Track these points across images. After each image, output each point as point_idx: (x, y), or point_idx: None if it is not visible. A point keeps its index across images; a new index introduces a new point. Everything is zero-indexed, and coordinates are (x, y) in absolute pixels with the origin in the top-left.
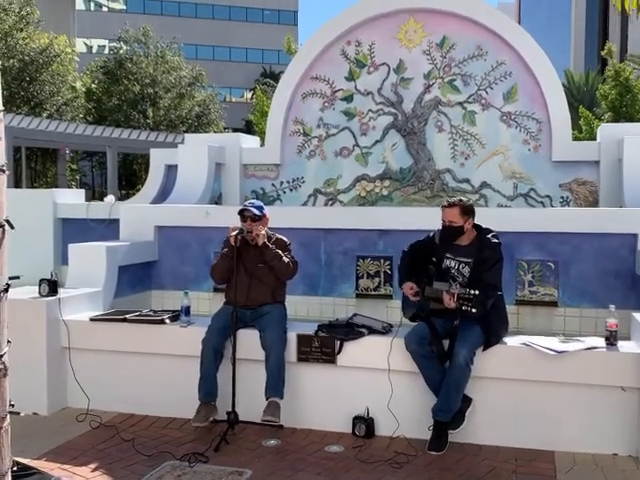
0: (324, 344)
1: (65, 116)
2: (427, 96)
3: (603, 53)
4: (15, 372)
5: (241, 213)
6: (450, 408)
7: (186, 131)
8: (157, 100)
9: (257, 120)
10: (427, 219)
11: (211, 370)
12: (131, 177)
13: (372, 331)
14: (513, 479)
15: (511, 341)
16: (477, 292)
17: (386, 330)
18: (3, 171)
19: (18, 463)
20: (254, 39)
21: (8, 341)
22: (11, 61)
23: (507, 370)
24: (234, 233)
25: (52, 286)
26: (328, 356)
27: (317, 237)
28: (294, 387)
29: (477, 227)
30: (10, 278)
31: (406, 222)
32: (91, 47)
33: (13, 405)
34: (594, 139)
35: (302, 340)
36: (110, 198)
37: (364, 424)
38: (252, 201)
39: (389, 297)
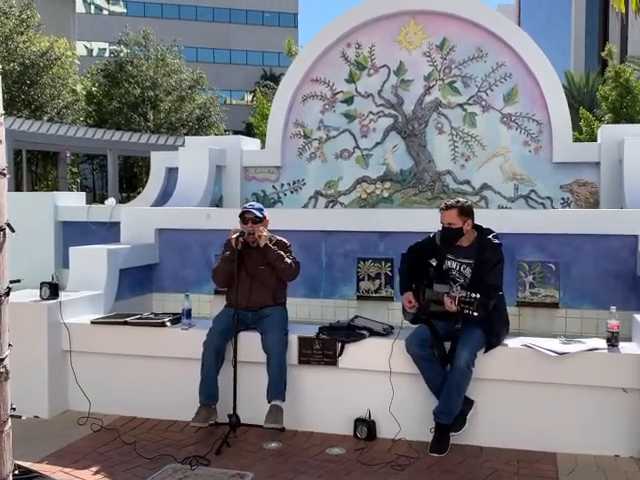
0: (325, 346)
1: (66, 119)
2: (427, 98)
3: (603, 54)
4: (16, 375)
5: (242, 215)
6: (451, 410)
7: (187, 134)
8: (158, 103)
9: (257, 122)
10: (428, 221)
11: (212, 373)
12: (132, 180)
13: (373, 333)
14: None
15: (512, 343)
16: (478, 295)
17: (387, 332)
18: (4, 174)
19: (19, 466)
20: (254, 42)
21: (9, 344)
22: (12, 64)
23: (508, 372)
24: (235, 236)
25: (53, 289)
26: (329, 358)
27: (318, 239)
28: (295, 389)
29: (477, 228)
30: (11, 281)
31: (407, 224)
32: (91, 50)
33: (14, 408)
34: (594, 140)
35: (303, 342)
36: (111, 201)
37: (366, 426)
38: (252, 203)
39: (390, 299)
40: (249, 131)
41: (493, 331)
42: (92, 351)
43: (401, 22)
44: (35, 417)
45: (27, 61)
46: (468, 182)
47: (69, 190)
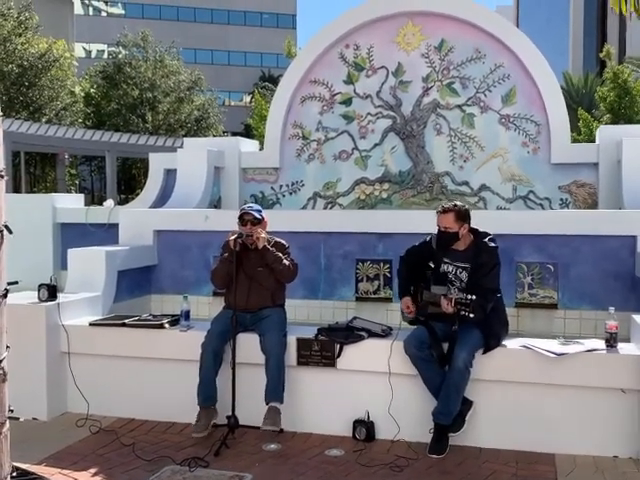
0: (324, 348)
1: (64, 121)
2: (426, 99)
3: (601, 55)
4: (14, 377)
5: (241, 217)
6: (450, 411)
7: (185, 135)
8: (156, 104)
9: (256, 124)
10: (426, 222)
11: (210, 374)
12: (130, 181)
13: (372, 334)
14: None
15: (511, 344)
16: (474, 297)
17: (386, 333)
18: (2, 176)
19: (17, 468)
20: (253, 43)
21: (7, 346)
22: (10, 66)
23: (507, 373)
24: (233, 237)
25: (51, 291)
26: (328, 360)
27: (317, 240)
28: (294, 391)
29: (474, 231)
30: (9, 283)
31: (405, 225)
32: (90, 52)
33: (12, 410)
34: (593, 141)
35: (302, 344)
36: (109, 202)
37: (364, 428)
38: (251, 205)
39: (389, 300)
40: (248, 132)
41: (492, 333)
42: (90, 353)
43: (399, 23)
44: (33, 419)
45: (25, 63)
46: (467, 183)
47: (67, 192)
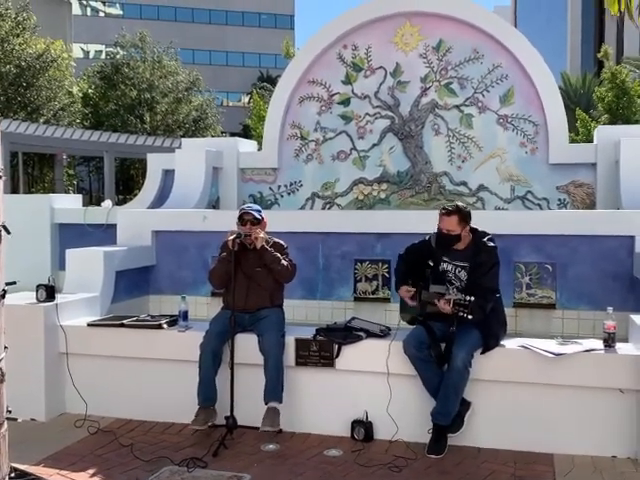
0: (322, 348)
1: (62, 121)
2: (424, 99)
3: (599, 55)
4: (13, 378)
5: (240, 216)
6: (449, 411)
7: (183, 136)
8: (154, 105)
9: (254, 124)
10: (425, 222)
11: (210, 374)
12: (128, 182)
13: (370, 334)
14: None
15: (509, 344)
16: (472, 298)
17: (384, 333)
18: (0, 177)
19: (15, 469)
20: (251, 43)
21: (5, 347)
22: (8, 67)
23: (505, 373)
24: (232, 237)
25: (49, 291)
26: (326, 360)
27: (315, 241)
28: (293, 391)
29: (473, 230)
30: (7, 284)
31: (404, 225)
32: (88, 52)
33: (10, 411)
34: (591, 141)
35: (300, 344)
36: (107, 203)
37: (363, 428)
38: (250, 204)
39: (387, 300)
40: (246, 133)
41: (491, 333)
42: (89, 353)
43: (397, 24)
44: (32, 420)
45: (23, 63)
46: (465, 183)
47: (65, 192)
